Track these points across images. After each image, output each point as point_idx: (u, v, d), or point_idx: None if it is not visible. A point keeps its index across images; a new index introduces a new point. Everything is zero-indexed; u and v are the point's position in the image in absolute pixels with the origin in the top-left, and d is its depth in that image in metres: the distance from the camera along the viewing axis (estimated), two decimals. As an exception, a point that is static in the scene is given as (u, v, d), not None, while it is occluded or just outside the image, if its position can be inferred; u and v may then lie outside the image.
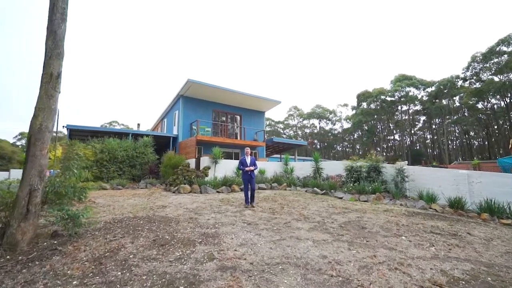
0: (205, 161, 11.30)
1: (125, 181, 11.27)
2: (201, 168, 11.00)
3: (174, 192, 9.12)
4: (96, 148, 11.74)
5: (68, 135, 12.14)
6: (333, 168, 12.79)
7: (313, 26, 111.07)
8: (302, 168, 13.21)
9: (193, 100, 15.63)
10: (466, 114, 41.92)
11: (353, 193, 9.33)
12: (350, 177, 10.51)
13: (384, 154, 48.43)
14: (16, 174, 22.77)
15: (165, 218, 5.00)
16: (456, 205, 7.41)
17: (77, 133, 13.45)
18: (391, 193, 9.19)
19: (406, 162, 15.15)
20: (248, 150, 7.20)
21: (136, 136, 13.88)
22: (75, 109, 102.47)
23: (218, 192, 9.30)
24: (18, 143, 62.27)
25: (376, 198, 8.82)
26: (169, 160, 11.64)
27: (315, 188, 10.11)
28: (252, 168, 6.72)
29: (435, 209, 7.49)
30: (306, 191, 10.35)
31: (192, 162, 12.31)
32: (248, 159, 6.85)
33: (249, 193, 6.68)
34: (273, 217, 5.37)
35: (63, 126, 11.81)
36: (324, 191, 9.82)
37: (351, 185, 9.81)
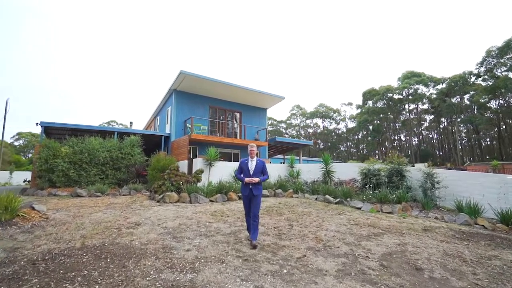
0: (198, 163, 9.78)
1: (106, 186, 9.79)
2: (193, 172, 9.48)
3: (158, 201, 7.61)
4: (74, 148, 10.25)
5: (41, 133, 10.67)
6: (345, 171, 11.24)
7: (316, 22, 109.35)
8: (309, 171, 11.66)
9: (187, 95, 14.13)
10: (475, 112, 40.09)
11: (373, 203, 7.79)
12: (368, 182, 8.94)
13: (390, 154, 46.66)
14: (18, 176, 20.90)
15: (125, 250, 3.48)
16: (512, 220, 5.82)
17: (54, 131, 12.00)
18: (420, 202, 7.62)
19: (427, 163, 13.56)
20: (253, 148, 4.24)
21: (122, 134, 12.38)
22: (73, 109, 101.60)
23: (211, 201, 7.78)
24: (16, 143, 61.30)
25: (403, 209, 7.27)
26: (158, 162, 10.15)
27: (327, 196, 8.57)
28: (255, 179, 3.95)
29: (483, 225, 5.92)
30: (316, 199, 8.80)
31: (184, 165, 10.80)
32: (253, 163, 4.11)
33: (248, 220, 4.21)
34: (280, 245, 3.84)
35: (37, 124, 10.35)
36: (338, 199, 8.28)
37: (371, 192, 8.25)
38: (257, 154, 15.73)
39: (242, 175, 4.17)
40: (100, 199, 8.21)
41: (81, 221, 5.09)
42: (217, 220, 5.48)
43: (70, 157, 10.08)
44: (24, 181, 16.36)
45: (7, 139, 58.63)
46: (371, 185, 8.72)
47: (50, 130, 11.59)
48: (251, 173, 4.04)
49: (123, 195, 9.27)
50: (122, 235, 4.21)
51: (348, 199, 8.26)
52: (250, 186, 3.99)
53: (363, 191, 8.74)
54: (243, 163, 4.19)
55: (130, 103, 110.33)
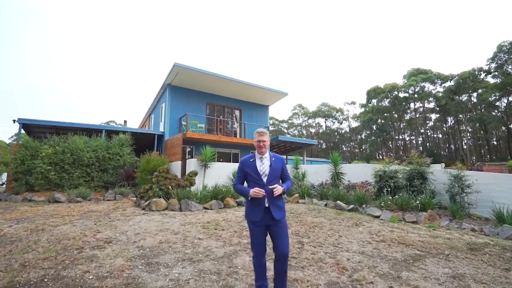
0: (192, 164, 8.74)
1: (90, 190, 8.80)
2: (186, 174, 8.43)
3: (144, 209, 6.57)
4: (55, 148, 9.25)
5: (19, 131, 9.68)
6: (355, 172, 10.16)
7: (319, 19, 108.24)
8: (316, 172, 10.59)
9: (182, 91, 13.09)
10: (483, 111, 38.79)
11: (393, 210, 6.72)
12: (385, 186, 7.85)
13: (392, 154, 45.50)
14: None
15: (69, 290, 2.43)
16: None
17: (35, 129, 11.02)
18: (450, 210, 6.50)
19: (444, 164, 12.49)
20: (263, 137, 2.30)
21: (111, 133, 11.35)
22: (73, 110, 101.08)
23: (205, 208, 6.73)
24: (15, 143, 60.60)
25: (429, 217, 6.22)
26: (147, 163, 9.14)
27: (339, 202, 7.50)
28: (279, 188, 2.13)
29: (535, 241, 4.84)
30: (326, 205, 7.74)
31: (177, 166, 9.77)
32: (264, 162, 2.31)
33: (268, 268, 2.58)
34: (290, 278, 2.78)
35: (14, 121, 9.35)
36: (352, 206, 7.22)
37: (389, 197, 7.16)
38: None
39: (247, 184, 2.33)
40: (78, 206, 7.19)
41: (37, 238, 4.05)
42: (209, 235, 4.43)
43: (51, 157, 9.06)
44: (2, 184, 15.35)
45: (6, 139, 58.01)
46: (388, 189, 7.63)
47: (30, 128, 10.62)
48: (265, 180, 2.20)
49: (107, 200, 8.27)
50: (78, 261, 3.17)
51: (363, 206, 7.18)
52: (267, 204, 2.15)
53: (379, 196, 7.65)
54: (247, 164, 2.32)
55: (130, 103, 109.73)
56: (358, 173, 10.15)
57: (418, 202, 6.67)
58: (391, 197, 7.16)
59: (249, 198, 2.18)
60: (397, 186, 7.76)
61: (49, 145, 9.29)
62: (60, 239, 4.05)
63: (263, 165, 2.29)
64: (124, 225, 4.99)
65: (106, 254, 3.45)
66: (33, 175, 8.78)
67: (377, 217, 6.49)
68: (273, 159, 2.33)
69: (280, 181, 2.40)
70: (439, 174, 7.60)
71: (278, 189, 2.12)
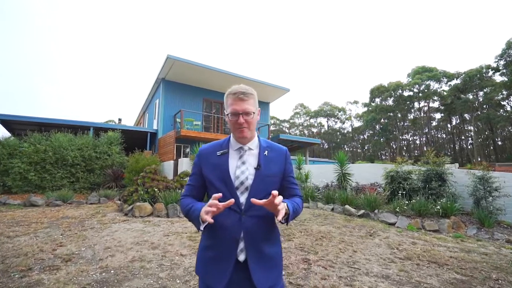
0: (184, 164, 7.95)
1: (73, 192, 8.06)
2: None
3: (126, 214, 5.79)
4: (36, 146, 8.50)
5: (-4, 128, 8.98)
6: (362, 173, 9.33)
7: (321, 17, 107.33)
8: (321, 173, 9.76)
9: (177, 86, 12.32)
10: (488, 110, 37.75)
11: (409, 216, 5.90)
12: (398, 188, 7.02)
13: (396, 154, 44.53)
14: None
15: None
16: None
17: (16, 126, 10.27)
18: (477, 216, 5.65)
19: (457, 164, 11.62)
20: (243, 104, 0.97)
21: (99, 130, 10.58)
22: (74, 109, 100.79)
23: (196, 214, 5.92)
24: (14, 143, 60.23)
25: (453, 225, 5.39)
26: (136, 163, 8.38)
27: (347, 206, 6.68)
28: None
29: None
30: (332, 210, 6.93)
31: (170, 166, 8.99)
32: (246, 161, 1.04)
33: None
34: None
35: (-9, 117, 8.64)
36: (362, 211, 6.39)
37: (405, 202, 6.34)
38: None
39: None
40: (55, 210, 6.42)
41: (-22, 255, 3.27)
42: (195, 249, 3.63)
43: (31, 156, 8.31)
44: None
45: (4, 139, 57.65)
46: (403, 192, 6.80)
47: (12, 125, 9.87)
48: (243, 198, 1.00)
49: (90, 203, 7.49)
50: (12, 291, 2.38)
51: (375, 211, 6.35)
52: (242, 257, 0.97)
53: (392, 200, 6.83)
54: (208, 160, 1.07)
55: (129, 102, 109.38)
56: (365, 173, 9.33)
57: (439, 207, 5.85)
58: (407, 201, 6.34)
59: (202, 228, 0.93)
60: (412, 189, 6.95)
61: (29, 142, 8.54)
62: (7, 256, 3.26)
63: (244, 165, 1.04)
64: (96, 236, 4.20)
65: (56, 279, 2.66)
66: (11, 176, 8.03)
67: (392, 224, 5.68)
68: (266, 152, 1.09)
69: (287, 194, 1.14)
70: (460, 175, 6.77)
71: (276, 207, 0.87)
